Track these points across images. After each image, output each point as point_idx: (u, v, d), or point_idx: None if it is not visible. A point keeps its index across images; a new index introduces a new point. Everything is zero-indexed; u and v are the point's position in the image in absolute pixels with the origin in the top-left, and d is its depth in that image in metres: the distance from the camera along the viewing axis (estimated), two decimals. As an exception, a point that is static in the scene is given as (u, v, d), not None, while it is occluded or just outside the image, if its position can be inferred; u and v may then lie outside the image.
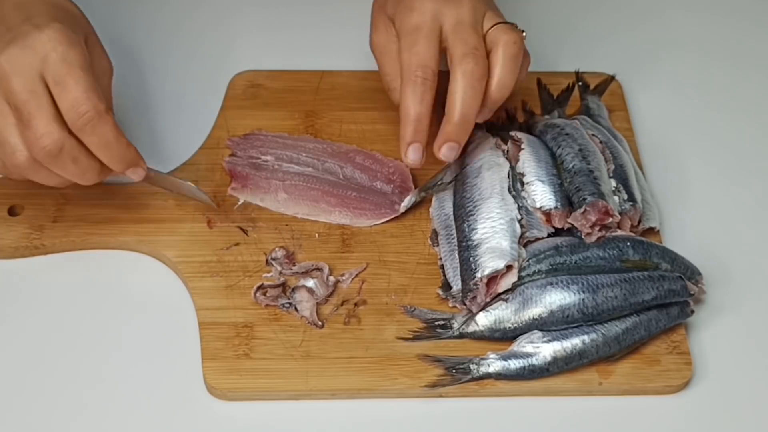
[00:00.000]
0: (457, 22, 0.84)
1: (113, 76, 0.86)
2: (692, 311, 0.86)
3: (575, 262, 0.86)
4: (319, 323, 0.86)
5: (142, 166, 0.84)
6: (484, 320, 0.85)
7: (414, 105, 0.84)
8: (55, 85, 0.78)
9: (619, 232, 0.87)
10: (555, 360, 0.83)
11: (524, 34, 0.87)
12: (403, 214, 0.92)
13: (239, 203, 0.92)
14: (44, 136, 0.78)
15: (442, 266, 0.88)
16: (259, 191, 0.92)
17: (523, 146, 0.91)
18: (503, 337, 0.85)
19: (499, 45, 0.85)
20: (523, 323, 0.84)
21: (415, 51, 0.84)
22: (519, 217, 0.87)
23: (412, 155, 0.86)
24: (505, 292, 0.85)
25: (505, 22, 0.87)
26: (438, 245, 0.90)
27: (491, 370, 0.83)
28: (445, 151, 0.86)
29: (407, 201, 0.92)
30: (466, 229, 0.87)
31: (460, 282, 0.86)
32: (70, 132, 0.79)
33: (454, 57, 0.84)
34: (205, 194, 0.90)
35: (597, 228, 0.86)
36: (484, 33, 0.86)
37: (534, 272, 0.85)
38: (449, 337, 0.85)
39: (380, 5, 0.90)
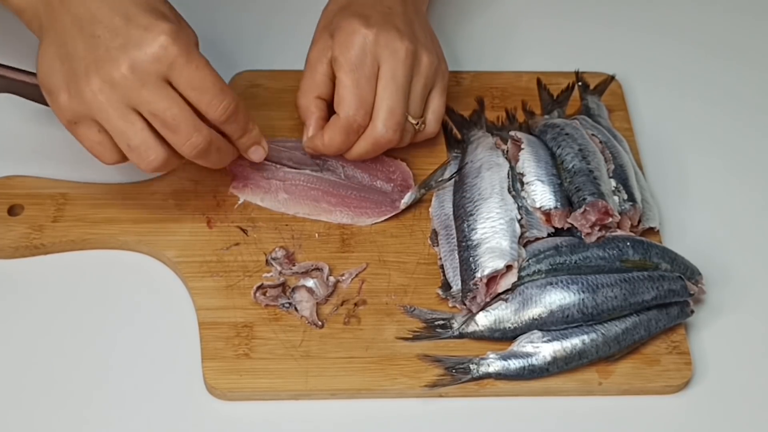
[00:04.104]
0: (391, 78, 0.87)
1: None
2: (692, 311, 0.86)
3: (575, 262, 0.86)
4: (319, 323, 0.86)
5: (263, 145, 0.88)
6: (484, 320, 0.85)
7: (342, 144, 0.89)
8: (191, 90, 0.80)
9: (618, 232, 0.87)
10: (555, 360, 0.83)
11: (422, 127, 0.92)
12: (402, 213, 0.92)
13: (239, 203, 0.92)
14: (195, 136, 0.81)
15: (442, 266, 0.88)
16: (259, 191, 0.92)
17: (522, 146, 0.91)
18: (503, 337, 0.85)
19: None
20: (523, 323, 0.84)
21: (361, 93, 0.87)
22: (519, 217, 0.87)
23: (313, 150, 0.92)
24: (505, 292, 0.85)
25: (411, 119, 0.90)
26: (438, 245, 0.90)
27: (491, 370, 0.83)
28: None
29: (408, 197, 0.92)
30: (466, 229, 0.87)
31: (460, 282, 0.86)
32: (210, 125, 0.83)
33: (379, 119, 0.88)
34: None
35: (597, 228, 0.86)
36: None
37: (534, 272, 0.85)
38: (449, 337, 0.85)
39: (326, 23, 0.92)
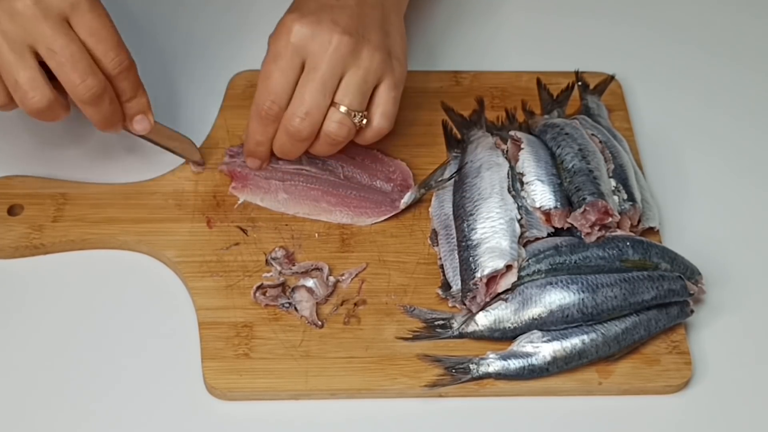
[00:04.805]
0: (312, 68, 0.85)
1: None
2: (692, 311, 0.86)
3: (575, 262, 0.86)
4: (319, 323, 0.86)
5: (149, 117, 0.88)
6: (483, 320, 0.85)
7: (257, 133, 0.89)
8: (89, 35, 0.81)
9: (618, 232, 0.87)
10: (555, 360, 0.83)
11: (363, 121, 0.87)
12: (402, 213, 0.92)
13: (239, 203, 0.92)
14: (90, 78, 0.81)
15: (441, 266, 0.88)
16: (259, 191, 0.92)
17: (522, 146, 0.91)
18: (503, 336, 0.85)
19: (324, 132, 0.86)
20: (523, 323, 0.84)
21: (270, 83, 0.86)
22: (519, 216, 0.87)
23: (250, 164, 0.92)
24: (505, 291, 0.85)
25: (348, 112, 0.86)
26: (438, 245, 0.90)
27: (491, 369, 0.83)
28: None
29: (408, 197, 0.92)
30: (466, 229, 0.87)
31: (459, 282, 0.86)
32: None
33: (288, 108, 0.86)
34: (199, 153, 0.94)
35: (597, 228, 0.86)
36: (334, 93, 0.86)
37: (534, 272, 0.85)
38: (449, 337, 0.85)
39: None
